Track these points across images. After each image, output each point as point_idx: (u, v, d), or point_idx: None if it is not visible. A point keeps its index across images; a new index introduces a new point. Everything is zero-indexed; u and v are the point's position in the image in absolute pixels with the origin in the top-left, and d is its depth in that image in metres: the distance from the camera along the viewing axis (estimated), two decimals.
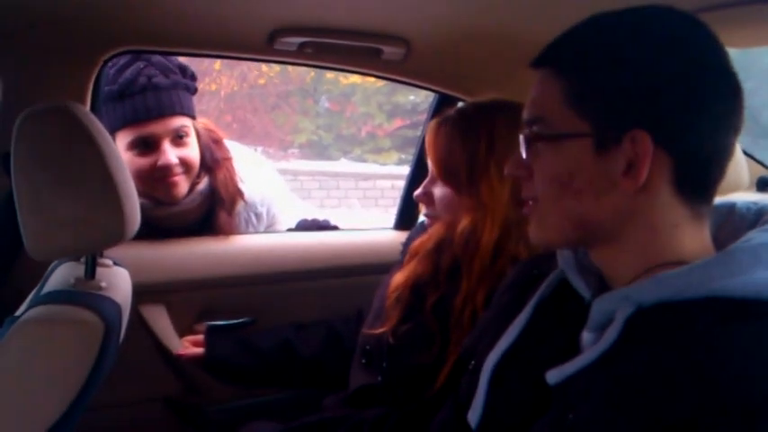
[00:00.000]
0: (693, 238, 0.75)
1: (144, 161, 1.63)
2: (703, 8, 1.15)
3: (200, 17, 1.34)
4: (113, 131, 1.61)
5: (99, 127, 1.09)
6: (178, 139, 1.67)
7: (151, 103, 1.61)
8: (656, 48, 0.72)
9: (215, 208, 1.76)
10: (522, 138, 0.80)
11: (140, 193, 1.63)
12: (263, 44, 1.44)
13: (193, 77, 1.73)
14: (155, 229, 1.69)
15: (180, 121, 1.66)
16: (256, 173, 1.94)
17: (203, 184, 1.74)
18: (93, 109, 1.42)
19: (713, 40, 0.74)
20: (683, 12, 0.75)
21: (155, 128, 1.62)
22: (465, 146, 1.30)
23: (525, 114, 0.80)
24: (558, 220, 0.78)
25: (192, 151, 1.71)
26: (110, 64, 1.59)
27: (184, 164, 1.67)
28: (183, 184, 1.69)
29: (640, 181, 0.71)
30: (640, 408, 0.65)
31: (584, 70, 0.75)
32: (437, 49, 1.54)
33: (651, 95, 0.71)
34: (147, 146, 1.63)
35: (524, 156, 0.80)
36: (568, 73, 0.76)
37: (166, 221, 1.71)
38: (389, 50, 1.49)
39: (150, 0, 1.25)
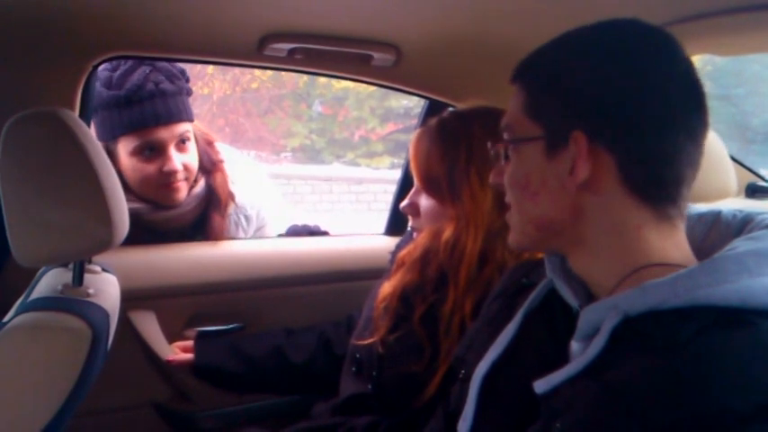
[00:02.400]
0: (663, 240, 0.76)
1: (149, 166, 1.65)
2: (686, 17, 1.16)
3: (189, 23, 1.34)
4: (116, 136, 1.63)
5: (87, 133, 1.08)
6: (182, 144, 1.68)
7: (160, 109, 1.62)
8: (600, 57, 0.76)
9: (209, 210, 1.78)
10: (498, 147, 0.86)
11: (140, 197, 1.65)
12: (252, 50, 1.43)
13: (188, 80, 1.74)
14: (150, 233, 1.71)
15: (184, 127, 1.68)
16: (247, 175, 1.95)
17: (199, 187, 1.76)
18: (82, 115, 1.42)
19: (667, 45, 0.77)
20: (641, 22, 0.79)
21: (162, 133, 1.63)
22: (445, 156, 1.31)
23: (500, 126, 0.85)
24: (523, 223, 0.83)
25: (193, 156, 1.73)
26: (111, 67, 1.60)
27: (186, 169, 1.70)
28: (184, 189, 1.72)
29: (578, 179, 0.75)
30: (626, 417, 0.65)
31: (537, 79, 0.81)
32: (427, 56, 1.54)
33: (590, 99, 0.75)
34: (152, 151, 1.64)
35: (503, 163, 0.86)
36: (527, 83, 0.82)
37: (163, 225, 1.73)
38: (379, 57, 1.50)
39: (140, 6, 1.24)
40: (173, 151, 1.66)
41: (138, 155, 1.64)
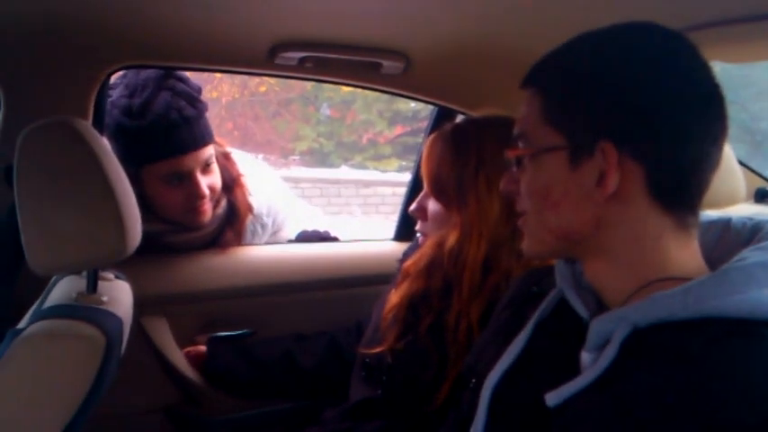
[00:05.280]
0: (680, 250, 0.76)
1: (176, 192, 1.63)
2: (697, 25, 1.16)
3: (201, 32, 1.35)
4: (141, 164, 1.59)
5: (101, 142, 1.09)
6: (206, 167, 1.66)
7: (186, 137, 1.59)
8: (621, 62, 0.75)
9: (225, 227, 1.77)
10: (510, 154, 0.84)
11: (164, 220, 1.65)
12: (263, 59, 1.44)
13: (200, 91, 1.71)
14: (170, 252, 1.71)
15: (209, 151, 1.66)
16: (262, 182, 1.95)
17: (222, 208, 1.75)
18: (95, 123, 1.43)
19: (686, 50, 0.76)
20: (658, 26, 0.77)
21: (188, 161, 1.61)
22: (455, 162, 1.31)
23: (514, 132, 0.83)
24: (540, 232, 0.81)
25: (217, 177, 1.71)
26: (128, 93, 1.56)
27: (212, 190, 1.68)
28: (209, 211, 1.70)
29: (608, 190, 0.74)
30: (638, 429, 0.65)
31: (558, 87, 0.78)
32: (436, 64, 1.55)
33: (615, 107, 0.74)
34: (179, 178, 1.62)
35: (515, 171, 0.84)
36: (545, 91, 0.79)
37: (184, 246, 1.72)
38: (389, 64, 1.50)
39: (152, 15, 1.26)
40: (199, 176, 1.64)
41: (164, 183, 1.62)
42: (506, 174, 0.86)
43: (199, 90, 1.67)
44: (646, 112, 0.73)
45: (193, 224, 1.70)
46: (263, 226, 1.91)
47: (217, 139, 1.79)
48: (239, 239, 1.81)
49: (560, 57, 0.80)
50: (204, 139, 1.64)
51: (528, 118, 0.81)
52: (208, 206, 1.68)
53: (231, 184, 1.77)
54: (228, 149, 1.83)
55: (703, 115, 0.74)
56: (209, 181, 1.68)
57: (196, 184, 1.63)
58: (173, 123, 1.56)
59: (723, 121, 0.76)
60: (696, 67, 0.75)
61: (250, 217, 1.84)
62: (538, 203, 0.80)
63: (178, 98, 1.59)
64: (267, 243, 1.97)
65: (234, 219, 1.77)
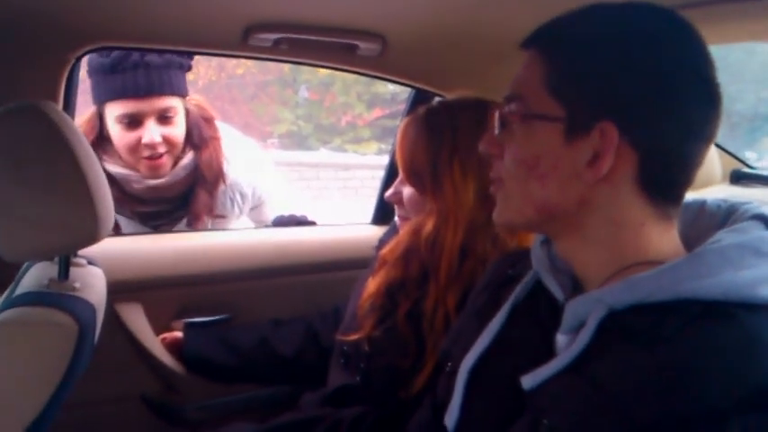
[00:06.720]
0: (661, 238, 0.75)
1: (130, 135, 1.69)
2: (680, 5, 1.15)
3: (173, 13, 1.33)
4: (102, 101, 1.68)
5: (72, 126, 1.08)
6: (164, 117, 1.70)
7: (140, 80, 1.64)
8: (638, 44, 0.72)
9: (195, 186, 1.80)
10: (497, 114, 0.81)
11: (127, 166, 1.71)
12: (237, 40, 1.42)
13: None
14: (139, 201, 1.76)
15: (167, 102, 1.70)
16: (246, 155, 1.97)
17: (187, 158, 1.78)
18: (65, 107, 1.40)
19: (697, 43, 0.74)
20: (670, 11, 0.75)
21: (141, 105, 1.66)
22: (429, 146, 1.29)
23: (507, 91, 0.80)
24: (520, 202, 0.78)
25: (177, 130, 1.74)
26: None
27: (168, 143, 1.72)
28: (166, 165, 1.74)
29: (601, 172, 0.72)
30: (613, 411, 0.65)
31: (567, 55, 0.75)
32: (413, 45, 1.53)
33: (625, 89, 0.72)
34: (133, 122, 1.67)
35: (498, 133, 0.81)
36: (553, 56, 0.75)
37: (151, 193, 1.76)
38: (365, 46, 1.49)
39: None
40: (151, 124, 1.68)
41: (120, 123, 1.68)
42: (486, 134, 0.83)
43: None
44: (656, 101, 0.71)
45: (151, 175, 1.74)
46: (243, 195, 1.93)
47: (198, 98, 1.83)
48: (213, 201, 1.84)
49: (571, 23, 0.76)
50: (162, 87, 1.68)
51: (526, 80, 0.77)
52: (165, 159, 1.73)
53: (200, 143, 1.79)
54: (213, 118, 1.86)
55: (706, 115, 0.74)
56: (166, 131, 1.71)
57: (146, 130, 1.68)
58: (132, 65, 1.63)
59: (718, 122, 0.75)
60: (705, 62, 0.74)
61: (226, 183, 1.86)
62: (523, 172, 0.77)
63: None
64: (254, 227, 1.97)
65: (202, 177, 1.80)
